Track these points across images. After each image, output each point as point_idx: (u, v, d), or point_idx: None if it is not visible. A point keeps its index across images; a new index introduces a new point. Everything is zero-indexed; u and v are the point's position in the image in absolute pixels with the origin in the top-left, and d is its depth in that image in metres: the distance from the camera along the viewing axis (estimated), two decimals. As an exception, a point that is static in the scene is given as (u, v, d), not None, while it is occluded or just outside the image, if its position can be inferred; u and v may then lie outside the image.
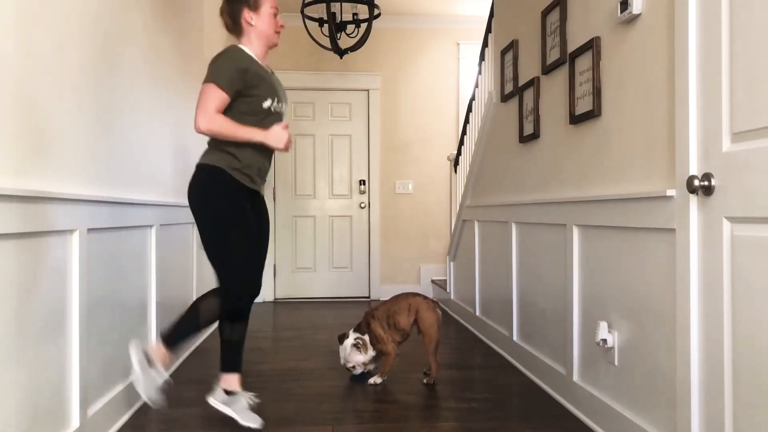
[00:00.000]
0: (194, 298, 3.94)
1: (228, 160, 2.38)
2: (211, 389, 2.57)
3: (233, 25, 2.50)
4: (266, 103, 2.43)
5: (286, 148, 2.43)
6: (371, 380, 3.14)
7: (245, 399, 2.52)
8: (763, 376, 1.57)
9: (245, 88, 2.38)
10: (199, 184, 2.42)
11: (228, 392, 2.50)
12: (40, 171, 1.90)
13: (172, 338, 2.44)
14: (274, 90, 2.47)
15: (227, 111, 2.38)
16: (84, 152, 2.23)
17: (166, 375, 2.47)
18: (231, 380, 2.53)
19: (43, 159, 1.91)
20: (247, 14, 2.46)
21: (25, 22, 1.80)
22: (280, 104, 2.51)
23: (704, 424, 1.81)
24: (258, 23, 2.47)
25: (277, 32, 2.53)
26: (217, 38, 4.96)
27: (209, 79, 2.35)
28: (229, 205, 2.40)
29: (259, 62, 2.49)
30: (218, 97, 2.32)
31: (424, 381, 3.15)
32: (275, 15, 2.50)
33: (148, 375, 2.39)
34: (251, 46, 2.49)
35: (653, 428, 2.09)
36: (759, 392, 1.59)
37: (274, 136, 2.39)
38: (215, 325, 2.73)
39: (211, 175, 2.39)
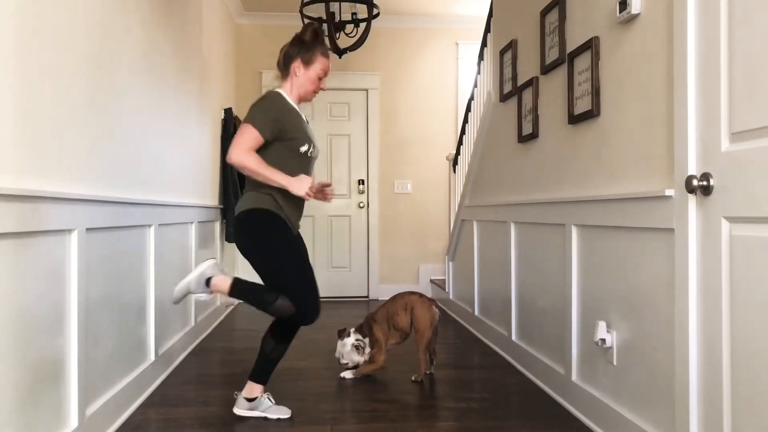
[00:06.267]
0: (193, 298, 3.96)
1: (270, 202, 2.54)
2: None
3: (283, 65, 2.68)
4: (303, 148, 2.59)
5: (308, 196, 2.53)
6: (343, 374, 3.22)
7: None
8: (762, 375, 1.57)
9: (284, 133, 2.53)
10: (249, 228, 2.56)
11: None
12: (40, 171, 1.89)
13: (263, 376, 2.67)
14: (309, 137, 2.64)
15: (269, 153, 2.53)
16: (83, 152, 2.23)
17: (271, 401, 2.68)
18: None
19: (42, 159, 1.91)
20: (297, 64, 2.63)
21: (24, 22, 1.79)
22: (314, 150, 2.67)
23: (703, 424, 1.81)
24: (301, 77, 2.65)
25: (315, 92, 2.71)
26: (216, 37, 4.97)
27: (249, 120, 2.51)
28: (284, 239, 2.57)
29: (297, 109, 2.65)
30: (253, 137, 2.47)
31: (413, 378, 3.17)
32: (320, 78, 2.68)
33: (270, 412, 2.63)
34: (290, 92, 2.67)
35: (652, 428, 2.09)
36: (757, 392, 1.59)
37: (297, 182, 2.50)
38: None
39: (259, 216, 2.54)
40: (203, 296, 2.71)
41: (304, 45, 2.63)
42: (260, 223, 2.54)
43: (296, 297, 2.53)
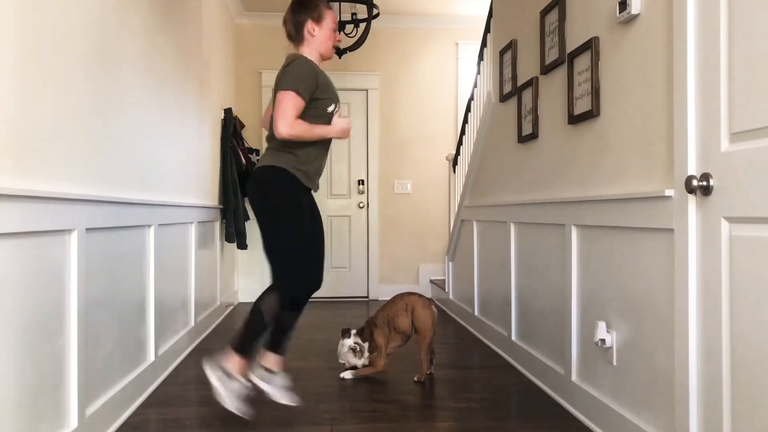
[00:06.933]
0: (193, 298, 3.96)
1: (291, 160, 2.58)
2: (252, 366, 2.67)
3: (296, 33, 2.69)
4: (330, 107, 2.64)
5: (348, 135, 2.70)
6: (343, 374, 3.23)
7: (282, 379, 2.68)
8: (762, 375, 1.57)
9: (316, 93, 2.57)
10: (263, 184, 2.59)
11: (267, 369, 2.64)
12: (39, 170, 1.89)
13: (244, 345, 2.58)
14: (336, 95, 2.69)
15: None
16: (83, 152, 2.23)
17: (245, 383, 2.61)
18: (272, 360, 2.67)
19: (42, 158, 1.91)
20: (310, 25, 2.66)
21: (24, 22, 1.79)
22: (338, 107, 2.72)
23: (702, 424, 1.81)
24: (319, 35, 2.67)
25: (335, 46, 2.74)
26: (216, 37, 4.97)
27: (289, 86, 2.49)
28: (291, 202, 2.59)
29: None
30: (297, 104, 2.49)
31: (415, 378, 3.17)
32: (334, 30, 2.71)
33: (229, 388, 2.55)
34: (311, 55, 2.68)
35: (652, 428, 2.10)
36: (757, 392, 1.59)
37: (339, 127, 2.64)
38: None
39: (275, 175, 2.57)
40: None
41: (308, 5, 2.65)
42: (277, 182, 2.57)
43: (289, 267, 2.58)
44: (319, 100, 2.58)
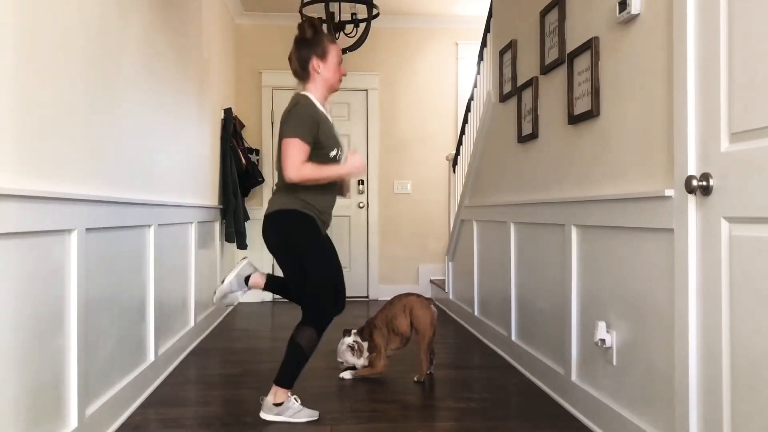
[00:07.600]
0: (192, 298, 3.96)
1: (298, 203, 2.59)
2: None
3: (301, 71, 2.68)
4: (332, 153, 2.64)
5: (362, 171, 2.72)
6: (342, 374, 3.23)
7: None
8: (762, 375, 1.57)
9: (317, 139, 2.57)
10: (281, 228, 2.62)
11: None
12: (39, 171, 1.89)
13: (288, 379, 2.62)
14: (337, 140, 2.69)
15: None
16: (83, 152, 2.23)
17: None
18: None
19: (42, 159, 1.91)
20: (315, 62, 2.64)
21: (24, 22, 1.79)
22: (342, 153, 2.72)
23: (702, 424, 1.81)
24: (324, 71, 2.66)
25: (340, 80, 2.74)
26: (216, 37, 4.97)
27: (292, 134, 2.51)
28: (308, 241, 2.62)
29: (323, 110, 2.68)
30: (303, 149, 2.51)
31: (415, 378, 3.17)
32: (339, 64, 2.71)
33: (291, 416, 2.60)
34: (315, 92, 2.67)
35: (651, 428, 2.10)
36: (757, 391, 1.59)
37: (352, 166, 2.64)
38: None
39: (290, 218, 2.60)
40: (240, 293, 2.92)
41: (310, 42, 2.64)
42: (288, 223, 2.59)
43: (316, 295, 2.62)
44: (319, 147, 2.58)
